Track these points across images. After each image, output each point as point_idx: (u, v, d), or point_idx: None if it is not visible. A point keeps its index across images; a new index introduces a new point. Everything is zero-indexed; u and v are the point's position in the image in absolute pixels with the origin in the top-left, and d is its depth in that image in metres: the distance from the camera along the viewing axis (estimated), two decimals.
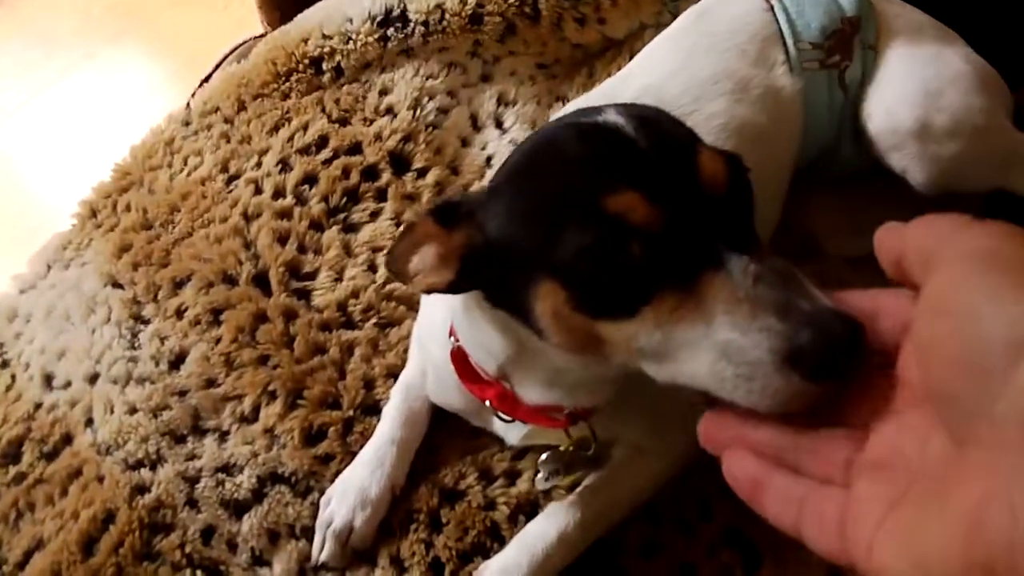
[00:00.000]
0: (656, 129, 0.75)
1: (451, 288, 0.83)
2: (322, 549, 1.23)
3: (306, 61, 1.72)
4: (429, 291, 0.84)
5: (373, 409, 1.37)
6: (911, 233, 0.48)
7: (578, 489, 1.14)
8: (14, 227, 2.01)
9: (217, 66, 1.95)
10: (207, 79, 1.90)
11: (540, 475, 1.17)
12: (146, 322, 1.48)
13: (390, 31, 1.70)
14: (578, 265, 0.72)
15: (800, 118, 1.21)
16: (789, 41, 1.21)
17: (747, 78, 1.18)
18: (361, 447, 1.31)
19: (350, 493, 1.25)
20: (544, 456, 1.16)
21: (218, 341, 1.44)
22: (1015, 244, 0.41)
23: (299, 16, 1.79)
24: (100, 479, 1.35)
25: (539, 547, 1.08)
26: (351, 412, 1.37)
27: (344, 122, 1.65)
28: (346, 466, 1.30)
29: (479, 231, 0.80)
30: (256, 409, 1.38)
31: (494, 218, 0.79)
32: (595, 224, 0.70)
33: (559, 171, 0.76)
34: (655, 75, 1.23)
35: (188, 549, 1.28)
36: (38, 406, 1.46)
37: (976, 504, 0.36)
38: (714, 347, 0.63)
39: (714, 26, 1.26)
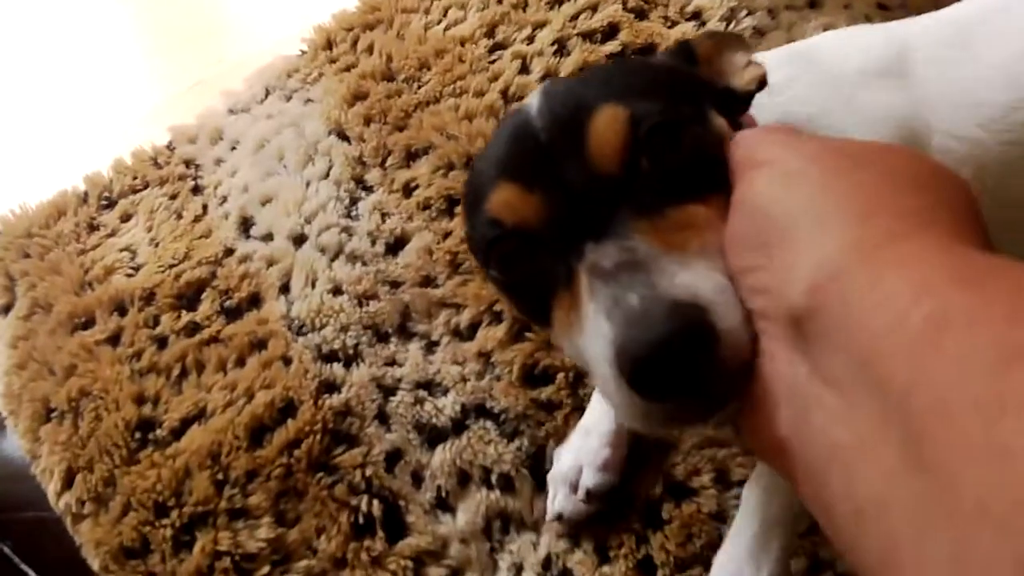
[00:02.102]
0: (562, 102, 0.65)
1: None
2: (555, 500, 1.04)
3: None
4: None
5: None
6: (739, 141, 0.56)
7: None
8: (230, 42, 1.77)
9: None
10: None
11: None
12: (369, 189, 1.25)
13: None
14: (491, 275, 0.68)
15: None
16: None
17: None
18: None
19: (588, 447, 1.04)
20: None
21: (447, 236, 1.21)
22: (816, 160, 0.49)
23: None
24: (286, 360, 1.14)
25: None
26: None
27: (642, 14, 1.35)
28: (573, 420, 1.08)
29: None
30: (475, 327, 1.15)
31: None
32: (484, 229, 0.65)
33: (475, 171, 0.71)
34: None
35: (369, 472, 1.06)
36: (228, 252, 1.25)
37: None
38: (588, 356, 0.57)
39: None
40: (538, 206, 0.62)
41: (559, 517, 1.03)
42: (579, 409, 1.08)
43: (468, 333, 1.16)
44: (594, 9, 1.33)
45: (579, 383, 1.11)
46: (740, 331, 0.52)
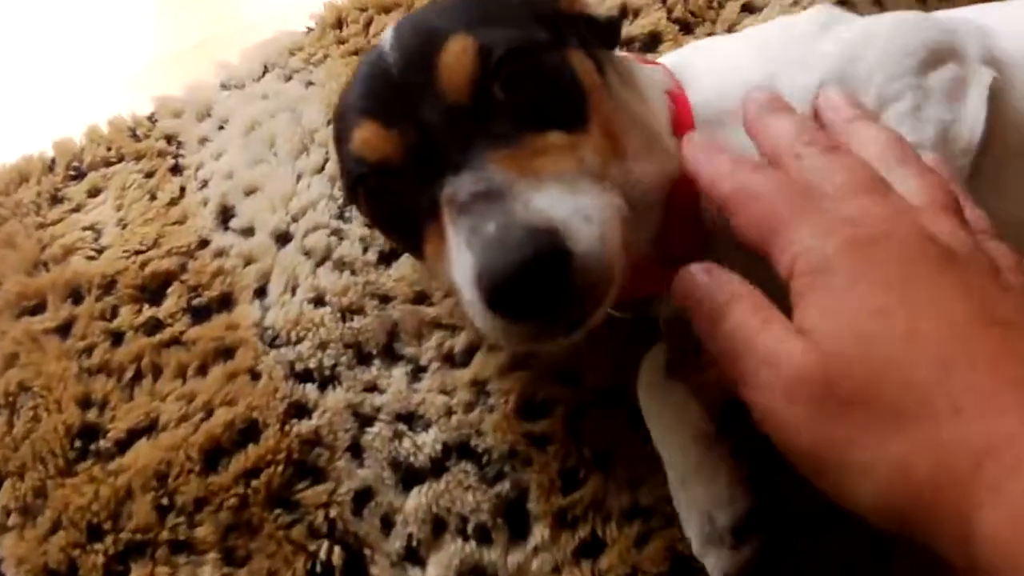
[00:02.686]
0: (411, 35, 0.66)
1: None
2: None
3: None
4: None
5: (619, 397, 0.98)
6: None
7: None
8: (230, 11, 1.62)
9: None
10: None
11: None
12: None
13: None
14: (363, 209, 0.72)
15: None
16: None
17: None
18: (587, 441, 0.96)
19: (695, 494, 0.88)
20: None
21: None
22: None
23: None
24: (254, 375, 1.01)
25: None
26: (589, 394, 0.99)
27: (687, 28, 1.22)
28: (567, 457, 0.96)
29: None
30: (470, 352, 1.03)
31: None
32: (350, 166, 0.68)
33: (339, 109, 0.72)
34: None
35: (333, 513, 0.94)
36: (203, 243, 1.12)
37: None
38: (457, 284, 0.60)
39: None
40: (397, 142, 0.64)
41: None
42: (574, 442, 0.96)
43: (462, 359, 1.03)
44: (636, 13, 1.19)
45: (578, 416, 0.98)
46: (595, 250, 0.55)
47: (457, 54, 0.64)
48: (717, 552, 0.81)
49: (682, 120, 0.77)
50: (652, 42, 1.14)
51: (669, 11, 1.19)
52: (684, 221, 0.76)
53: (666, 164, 0.73)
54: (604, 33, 0.78)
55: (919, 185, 0.54)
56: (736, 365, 0.51)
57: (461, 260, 0.58)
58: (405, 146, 0.64)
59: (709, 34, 1.19)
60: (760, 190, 0.54)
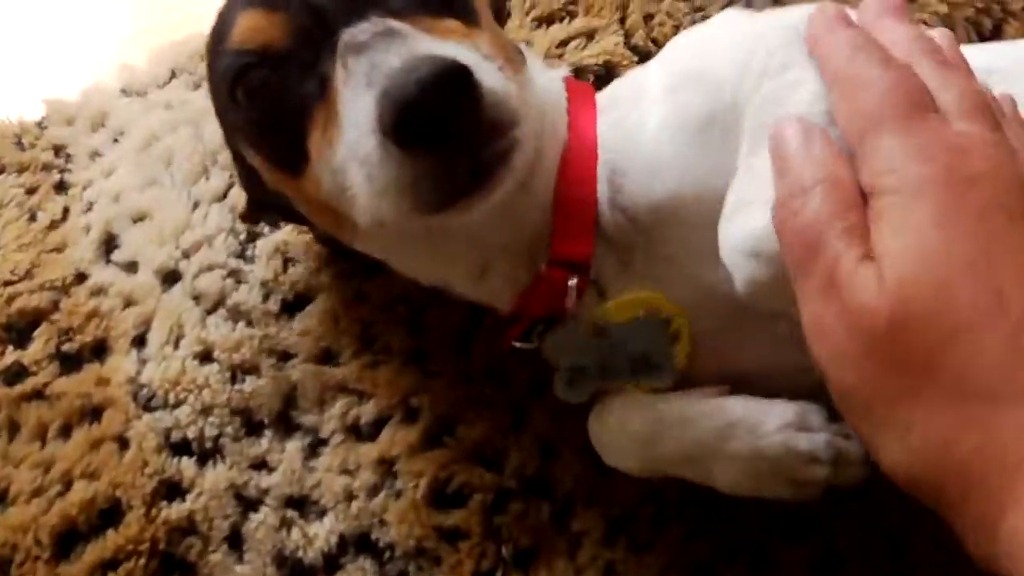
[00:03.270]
0: None
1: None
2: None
3: None
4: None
5: (544, 487, 0.86)
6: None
7: None
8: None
9: None
10: None
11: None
12: (274, 223, 0.97)
13: None
14: (242, 118, 0.68)
15: None
16: None
17: None
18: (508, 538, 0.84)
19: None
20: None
21: (361, 299, 0.94)
22: None
23: None
24: (122, 443, 0.87)
25: None
26: (513, 481, 0.86)
27: (646, 56, 1.08)
28: (483, 557, 0.83)
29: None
30: (379, 424, 0.89)
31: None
32: (229, 63, 0.64)
33: (218, 19, 0.69)
34: None
35: None
36: (80, 278, 0.97)
37: None
38: (347, 157, 0.58)
39: None
40: (282, 25, 0.62)
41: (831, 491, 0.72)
42: (492, 539, 0.83)
43: (369, 432, 0.89)
44: (589, 36, 1.05)
45: (498, 508, 0.85)
46: (501, 86, 0.56)
47: None
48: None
49: (578, 101, 0.77)
50: (608, 76, 0.99)
51: (627, 36, 1.04)
52: (575, 212, 0.72)
53: (559, 130, 0.73)
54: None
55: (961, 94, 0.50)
56: (801, 263, 0.48)
57: (357, 106, 0.55)
58: (292, 28, 0.62)
59: None
60: (873, 82, 0.50)
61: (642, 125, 0.73)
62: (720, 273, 0.63)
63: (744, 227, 0.58)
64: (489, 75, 0.56)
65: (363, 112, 0.54)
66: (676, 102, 0.73)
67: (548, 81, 0.78)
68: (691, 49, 0.76)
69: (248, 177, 0.80)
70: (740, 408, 0.71)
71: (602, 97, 0.81)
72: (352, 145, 0.57)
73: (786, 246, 0.50)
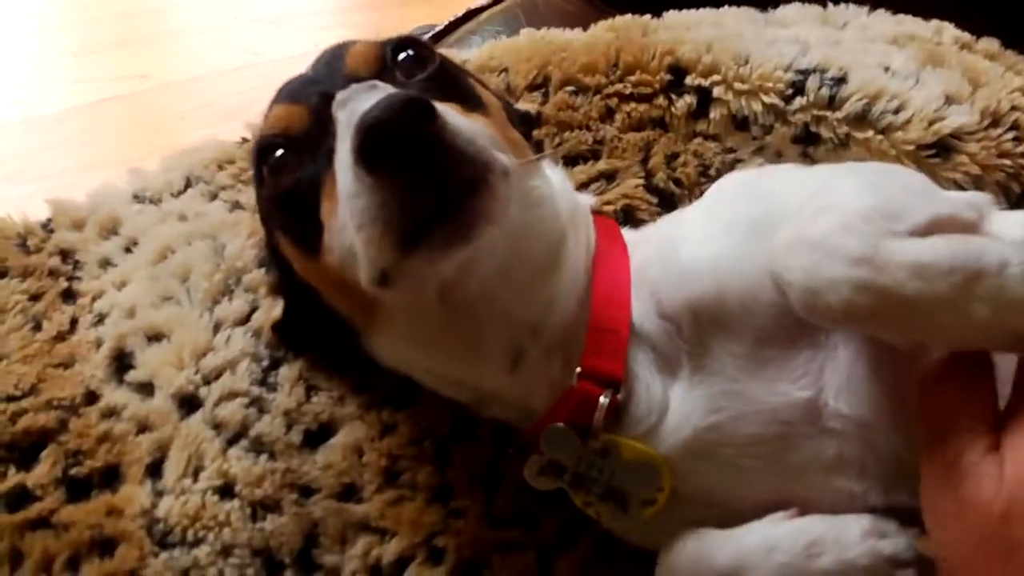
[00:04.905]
0: (330, 51, 0.81)
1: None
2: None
3: None
4: None
5: None
6: None
7: None
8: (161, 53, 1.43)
9: None
10: None
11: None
12: None
13: None
14: (267, 195, 0.80)
15: None
16: None
17: None
18: None
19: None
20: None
21: (387, 431, 0.92)
22: None
23: None
24: None
25: None
26: None
27: (669, 202, 1.11)
28: None
29: None
30: (402, 564, 0.87)
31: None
32: (258, 148, 0.78)
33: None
34: None
35: None
36: (92, 398, 0.93)
37: None
38: (342, 207, 0.66)
39: None
40: (300, 113, 0.74)
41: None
42: None
43: (392, 571, 0.88)
44: (610, 178, 1.07)
45: None
46: (468, 126, 0.63)
47: (362, 45, 0.79)
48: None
49: (605, 228, 0.86)
50: (626, 221, 1.01)
51: (649, 176, 1.06)
52: (607, 329, 0.76)
53: (588, 237, 0.83)
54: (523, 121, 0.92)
55: None
56: (932, 457, 0.53)
57: (343, 151, 0.62)
58: (310, 113, 0.73)
59: None
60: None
61: (681, 238, 0.78)
62: (767, 388, 0.69)
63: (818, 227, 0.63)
64: (457, 119, 0.63)
65: (344, 152, 0.61)
66: (717, 208, 0.80)
67: (572, 194, 0.88)
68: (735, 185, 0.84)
69: (281, 272, 0.89)
70: (820, 525, 0.71)
71: (632, 233, 0.88)
72: (342, 189, 0.63)
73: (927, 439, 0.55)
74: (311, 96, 0.74)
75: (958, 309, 0.57)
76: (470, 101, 0.76)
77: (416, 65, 0.77)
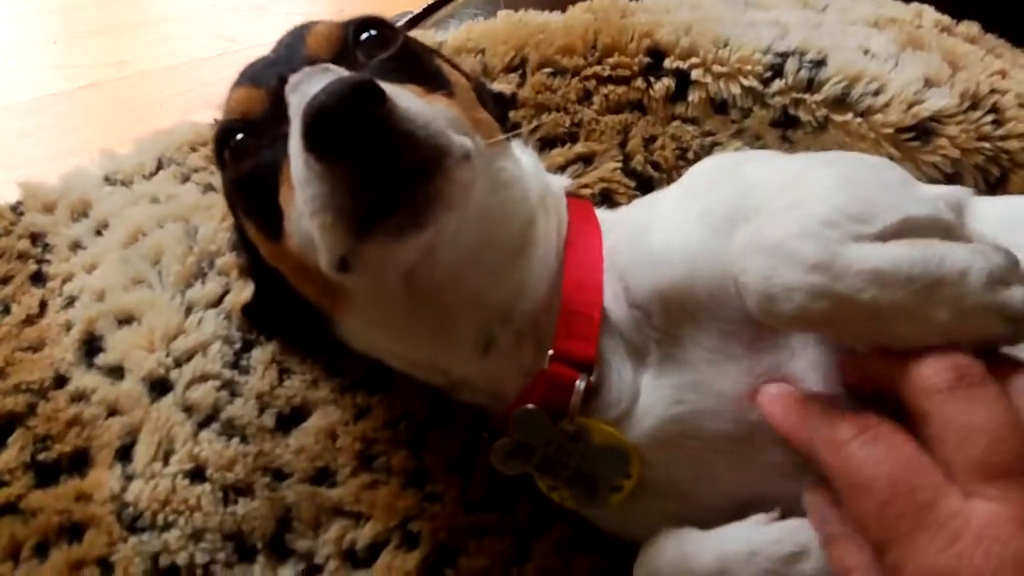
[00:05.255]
0: (292, 33, 0.79)
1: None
2: None
3: None
4: None
5: None
6: None
7: None
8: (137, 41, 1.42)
9: None
10: None
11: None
12: None
13: None
14: (229, 179, 0.79)
15: None
16: None
17: None
18: None
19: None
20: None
21: (361, 414, 0.91)
22: None
23: None
24: (105, 567, 0.82)
25: None
26: None
27: (646, 185, 1.10)
28: None
29: None
30: (376, 548, 0.86)
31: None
32: (217, 132, 0.77)
33: None
34: None
35: None
36: (60, 381, 0.92)
37: None
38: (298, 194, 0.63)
39: None
40: (260, 96, 0.73)
41: None
42: None
43: (366, 556, 0.86)
44: (588, 161, 1.06)
45: None
46: (419, 109, 0.60)
47: (323, 25, 0.77)
48: None
49: (579, 210, 0.84)
50: (603, 203, 1.00)
51: (627, 160, 1.05)
52: (579, 312, 0.75)
53: (560, 217, 0.82)
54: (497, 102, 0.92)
55: None
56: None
57: (295, 137, 0.59)
58: (266, 97, 0.72)
59: None
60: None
61: (653, 223, 0.76)
62: (732, 385, 0.68)
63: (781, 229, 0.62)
64: (411, 101, 0.61)
65: (295, 138, 0.59)
66: (691, 194, 0.77)
67: (543, 175, 0.86)
68: (710, 170, 0.82)
69: (250, 255, 0.88)
70: (803, 532, 0.69)
71: (607, 214, 0.86)
72: (294, 175, 0.61)
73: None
74: (270, 79, 0.73)
75: (917, 315, 0.57)
76: (433, 81, 0.75)
77: (378, 46, 0.75)
